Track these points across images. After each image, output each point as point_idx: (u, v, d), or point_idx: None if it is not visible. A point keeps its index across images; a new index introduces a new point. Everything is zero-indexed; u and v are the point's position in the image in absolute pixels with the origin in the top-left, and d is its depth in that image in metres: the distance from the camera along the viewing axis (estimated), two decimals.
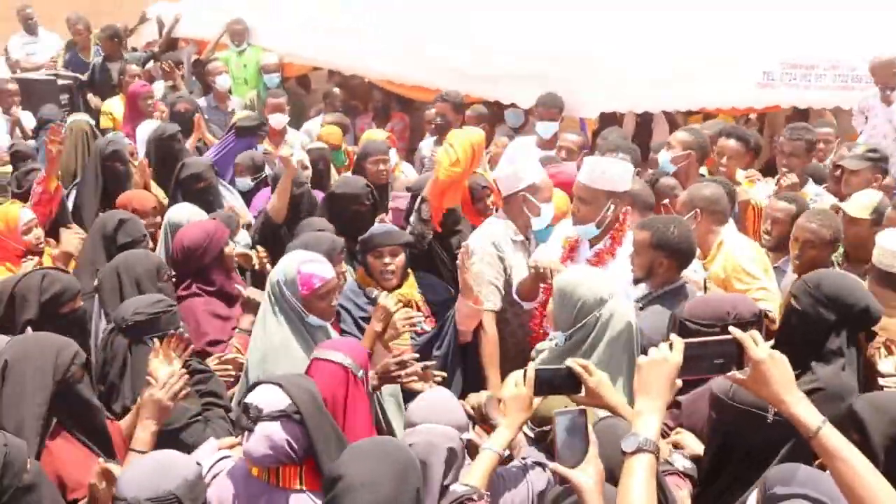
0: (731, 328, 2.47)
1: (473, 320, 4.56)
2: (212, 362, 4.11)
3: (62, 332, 3.77)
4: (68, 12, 10.87)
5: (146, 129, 7.43)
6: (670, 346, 2.46)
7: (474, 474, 2.88)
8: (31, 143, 7.83)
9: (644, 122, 8.77)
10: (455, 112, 7.63)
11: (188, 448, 3.32)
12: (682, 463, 3.08)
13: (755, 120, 9.42)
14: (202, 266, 4.61)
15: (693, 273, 4.40)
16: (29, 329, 3.81)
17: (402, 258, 4.59)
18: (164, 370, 3.36)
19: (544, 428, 3.17)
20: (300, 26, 9.58)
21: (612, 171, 4.48)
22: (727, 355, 2.44)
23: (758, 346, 2.41)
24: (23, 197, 5.82)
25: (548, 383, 2.91)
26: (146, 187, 6.14)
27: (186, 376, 3.40)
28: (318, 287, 3.88)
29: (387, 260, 4.54)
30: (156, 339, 3.49)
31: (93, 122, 7.77)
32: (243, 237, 5.52)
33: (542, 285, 4.51)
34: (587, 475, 2.50)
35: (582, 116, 7.70)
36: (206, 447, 3.31)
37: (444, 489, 2.99)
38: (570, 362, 2.91)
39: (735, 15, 8.03)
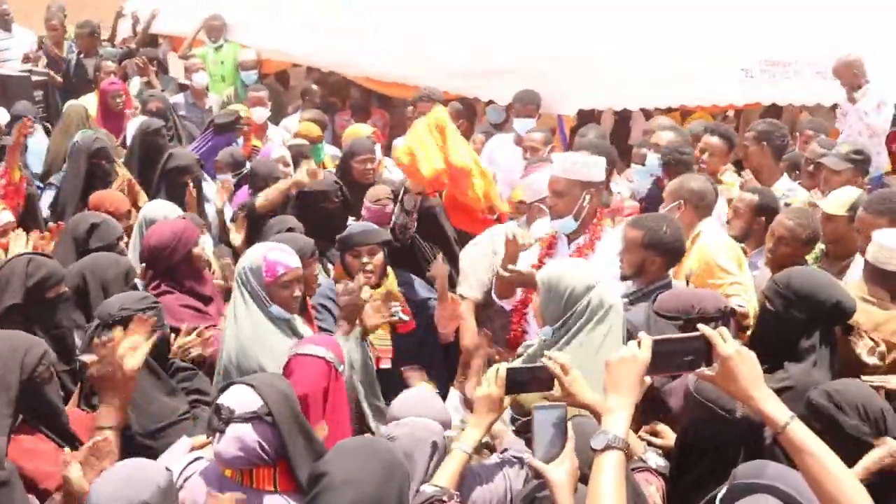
0: (699, 325, 2.48)
1: (454, 323, 4.56)
2: (185, 336, 4.07)
3: (48, 316, 3.79)
4: (49, 2, 10.76)
5: (135, 126, 7.37)
6: (639, 343, 2.46)
7: (444, 474, 2.87)
8: (8, 139, 7.71)
9: (622, 120, 8.80)
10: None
11: None
12: (655, 461, 3.08)
13: (732, 117, 9.47)
14: (170, 266, 4.51)
15: None
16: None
17: (380, 257, 4.55)
18: (125, 342, 3.26)
19: (528, 418, 3.17)
20: (280, 23, 9.54)
21: (583, 162, 4.48)
22: (696, 352, 2.44)
23: (726, 343, 2.42)
24: None
25: (519, 382, 2.93)
26: (134, 203, 6.04)
27: (147, 348, 3.29)
28: (280, 274, 3.88)
29: (365, 259, 4.50)
30: (117, 327, 3.35)
31: (86, 109, 7.73)
32: (207, 241, 5.39)
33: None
34: (560, 470, 2.50)
35: (560, 113, 7.70)
36: (180, 446, 3.28)
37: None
38: (546, 360, 2.90)
39: (714, 13, 8.06)
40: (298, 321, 4.02)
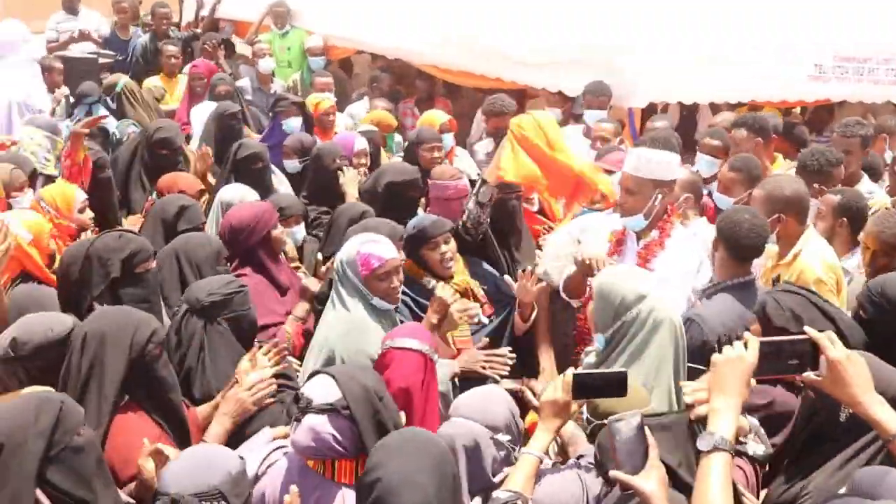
0: (806, 328, 2.43)
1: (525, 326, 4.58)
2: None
3: (136, 292, 3.84)
4: None
5: (201, 111, 7.40)
6: (745, 344, 2.41)
7: (515, 479, 2.84)
8: (67, 121, 7.77)
9: (689, 113, 8.66)
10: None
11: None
12: (753, 448, 3.03)
13: (798, 114, 9.29)
14: (248, 247, 4.59)
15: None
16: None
17: (453, 244, 4.52)
18: (254, 375, 3.39)
19: (603, 421, 3.11)
20: (345, 10, 9.52)
21: (657, 160, 4.40)
22: (802, 355, 2.41)
23: (834, 347, 2.36)
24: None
25: (588, 387, 2.89)
26: (204, 175, 6.12)
27: (275, 386, 3.42)
28: (376, 267, 3.89)
29: (443, 249, 4.45)
30: (255, 348, 3.48)
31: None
32: (300, 231, 5.44)
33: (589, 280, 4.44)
34: (651, 481, 2.45)
35: (631, 106, 7.60)
36: (262, 436, 3.29)
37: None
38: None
39: (789, 6, 7.90)
40: (395, 314, 4.03)
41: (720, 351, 3.74)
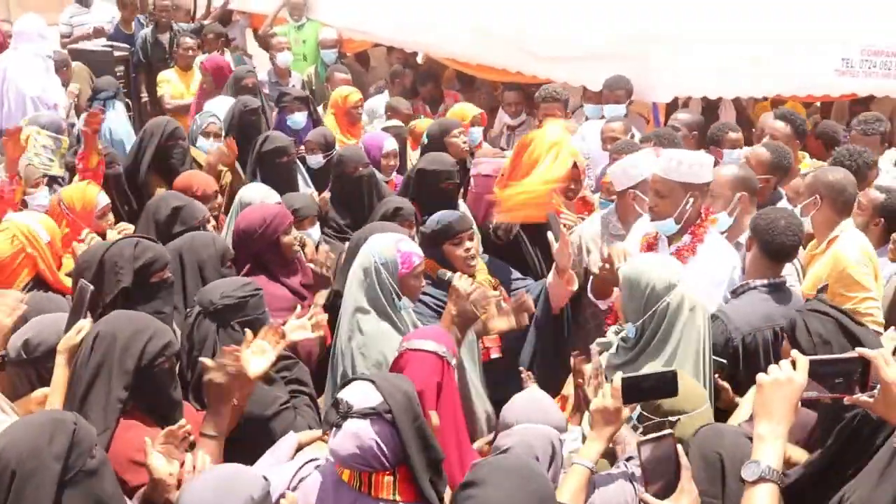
0: (858, 349, 2.32)
1: (564, 299, 4.47)
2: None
3: (150, 302, 3.76)
4: None
5: (217, 105, 7.27)
6: (793, 363, 2.29)
7: (565, 490, 2.75)
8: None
9: (710, 107, 8.52)
10: (564, 110, 7.15)
11: (278, 436, 3.27)
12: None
13: (819, 107, 9.14)
14: (256, 252, 4.44)
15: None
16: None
17: (477, 241, 4.46)
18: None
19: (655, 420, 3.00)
20: (363, 2, 9.39)
21: (688, 163, 4.26)
22: (847, 375, 2.29)
23: (889, 366, 2.24)
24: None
25: (638, 390, 2.80)
26: (231, 165, 6.02)
27: (241, 355, 3.19)
28: (416, 264, 3.86)
29: (467, 245, 4.33)
30: (247, 330, 3.32)
31: None
32: (315, 231, 5.25)
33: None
34: None
35: (654, 101, 7.48)
36: (287, 443, 3.21)
37: None
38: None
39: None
40: (411, 312, 3.96)
41: (744, 350, 3.75)
